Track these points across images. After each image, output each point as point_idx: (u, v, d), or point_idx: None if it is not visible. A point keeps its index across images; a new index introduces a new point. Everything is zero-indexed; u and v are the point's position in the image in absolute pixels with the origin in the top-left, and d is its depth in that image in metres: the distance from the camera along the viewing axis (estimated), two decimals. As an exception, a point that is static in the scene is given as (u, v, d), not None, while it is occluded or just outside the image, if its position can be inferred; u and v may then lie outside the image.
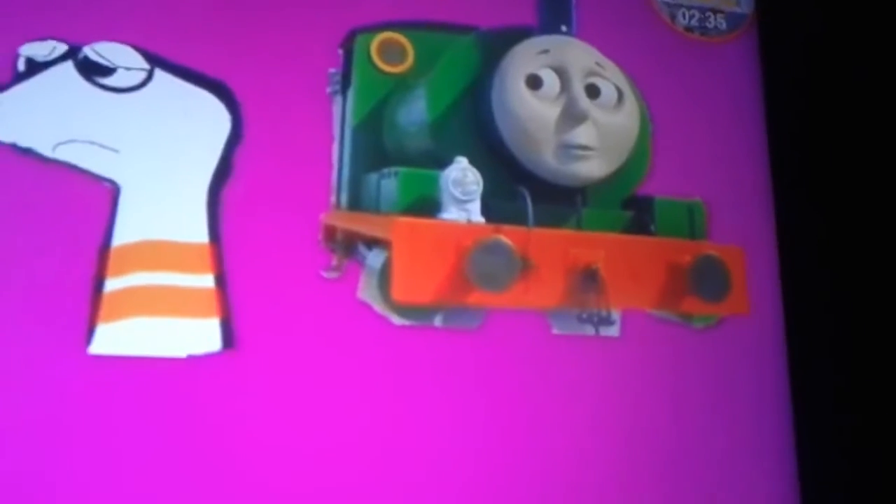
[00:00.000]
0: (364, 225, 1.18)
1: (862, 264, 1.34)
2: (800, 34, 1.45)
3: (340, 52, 1.27)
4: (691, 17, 1.47)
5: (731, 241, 1.32)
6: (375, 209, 1.19)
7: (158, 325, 1.10)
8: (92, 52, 1.15)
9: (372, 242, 1.19)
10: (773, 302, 1.37)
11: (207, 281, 1.13)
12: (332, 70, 1.26)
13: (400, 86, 1.27)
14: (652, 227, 1.28)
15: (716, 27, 1.48)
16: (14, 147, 1.09)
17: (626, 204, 1.30)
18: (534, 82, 1.21)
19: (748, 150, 1.43)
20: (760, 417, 1.33)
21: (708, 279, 1.24)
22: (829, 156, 1.40)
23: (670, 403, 1.29)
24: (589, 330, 1.23)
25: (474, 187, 1.17)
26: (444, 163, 1.16)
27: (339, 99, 1.27)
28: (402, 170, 1.16)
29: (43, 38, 1.13)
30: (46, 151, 1.11)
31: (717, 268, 1.25)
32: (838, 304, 1.35)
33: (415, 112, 1.22)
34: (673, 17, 1.46)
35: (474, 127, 1.22)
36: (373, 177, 1.22)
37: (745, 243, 1.29)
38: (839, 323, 1.34)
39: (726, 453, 1.31)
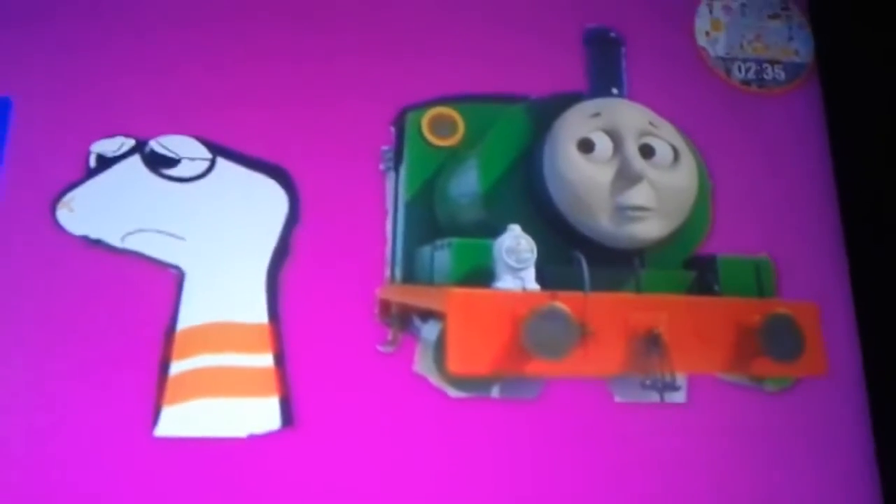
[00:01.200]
0: (418, 298, 1.19)
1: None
2: (863, 79, 1.40)
3: (392, 129, 1.31)
4: (747, 70, 1.44)
5: (804, 297, 1.26)
6: (429, 281, 1.20)
7: (221, 406, 1.13)
8: (157, 144, 1.22)
9: (427, 315, 1.20)
10: (852, 360, 1.30)
11: (267, 360, 1.16)
12: (384, 147, 1.30)
13: (451, 158, 1.29)
14: (716, 287, 1.24)
15: (774, 78, 1.45)
16: (86, 239, 1.17)
17: (688, 264, 1.26)
18: (586, 146, 1.21)
19: (817, 203, 1.38)
20: (845, 485, 1.25)
21: (780, 338, 1.19)
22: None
23: (744, 472, 1.23)
24: (653, 397, 1.19)
25: (528, 255, 1.16)
26: (497, 232, 1.16)
27: (392, 175, 1.30)
28: (454, 240, 1.17)
29: (112, 135, 1.21)
30: (115, 242, 1.18)
31: (789, 326, 1.19)
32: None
33: (467, 183, 1.24)
34: (728, 72, 1.44)
35: (527, 195, 1.22)
36: (426, 249, 1.23)
37: (819, 300, 1.23)
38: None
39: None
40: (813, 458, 1.26)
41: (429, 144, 1.29)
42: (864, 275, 1.33)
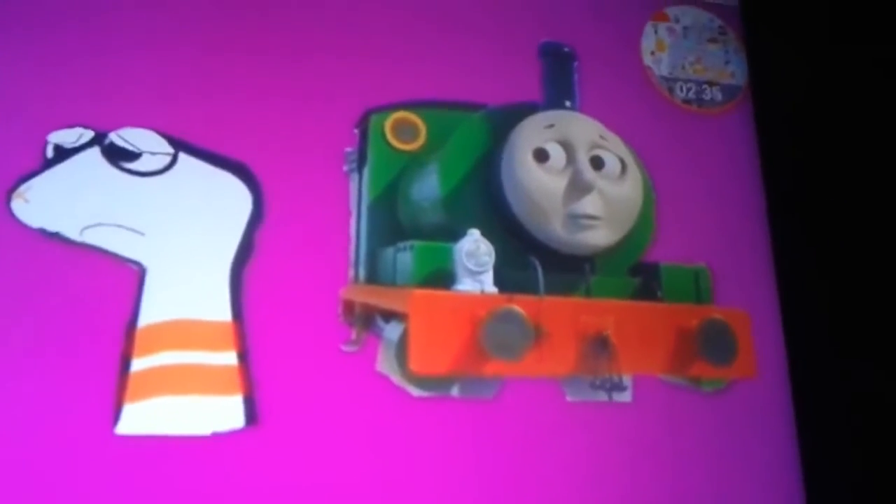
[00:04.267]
0: (381, 298, 1.21)
1: (865, 325, 1.38)
2: (792, 101, 1.51)
3: (356, 131, 1.32)
4: (688, 89, 1.53)
5: (736, 305, 1.35)
6: (392, 282, 1.23)
7: (184, 404, 1.12)
8: (117, 137, 1.19)
9: (389, 315, 1.22)
10: (778, 365, 1.41)
11: (231, 358, 1.15)
12: (348, 149, 1.31)
13: (413, 162, 1.32)
14: (659, 293, 1.31)
15: (712, 99, 1.54)
16: (42, 231, 1.13)
17: (633, 271, 1.33)
18: (540, 155, 1.25)
19: (748, 216, 1.48)
20: (770, 481, 1.35)
21: (715, 343, 1.27)
22: (827, 216, 1.45)
23: (682, 467, 1.31)
24: (602, 396, 1.25)
25: (486, 258, 1.20)
26: (457, 235, 1.19)
27: (355, 176, 1.31)
28: (416, 243, 1.19)
29: (70, 125, 1.18)
30: (74, 235, 1.14)
31: (723, 332, 1.28)
32: (843, 365, 1.38)
33: (428, 187, 1.26)
34: (671, 91, 1.52)
35: (485, 200, 1.26)
36: (389, 251, 1.25)
37: (749, 307, 1.32)
38: (844, 384, 1.37)
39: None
40: (742, 453, 1.36)
41: (391, 148, 1.31)
42: (790, 284, 1.44)
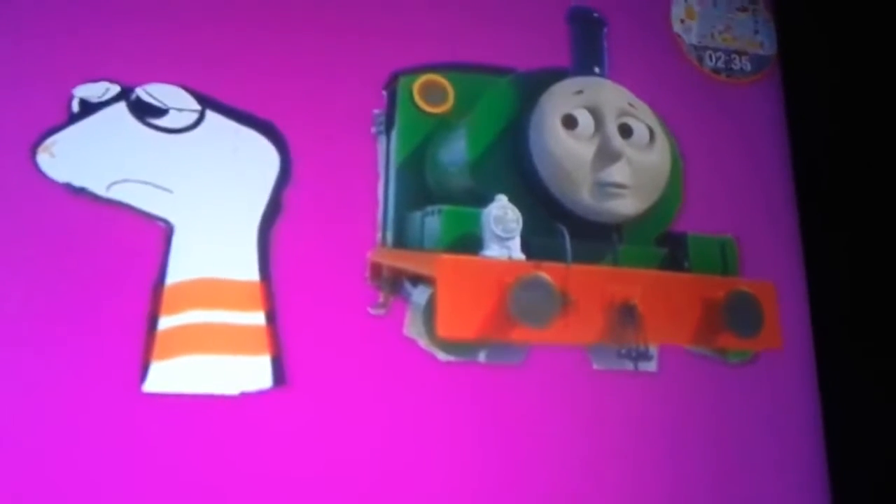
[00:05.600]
0: (409, 262, 1.20)
1: (891, 296, 1.37)
2: (821, 72, 1.49)
3: (384, 93, 1.30)
4: (717, 59, 1.51)
5: (762, 276, 1.34)
6: (419, 246, 1.21)
7: (211, 363, 1.11)
8: (144, 93, 1.17)
9: (417, 279, 1.21)
10: (804, 336, 1.40)
11: (258, 318, 1.14)
12: (376, 111, 1.29)
13: (441, 126, 1.30)
14: (686, 264, 1.30)
15: (741, 69, 1.52)
16: (68, 186, 1.12)
17: (660, 241, 1.32)
18: (569, 122, 1.24)
19: (775, 187, 1.47)
20: (794, 451, 1.35)
21: (741, 315, 1.26)
22: (854, 189, 1.44)
23: (706, 437, 1.31)
24: (628, 365, 1.25)
25: (514, 225, 1.19)
26: (484, 200, 1.18)
27: (383, 139, 1.30)
28: (444, 208, 1.18)
29: (96, 80, 1.16)
30: (100, 191, 1.13)
31: (749, 303, 1.27)
32: (868, 334, 1.37)
33: (456, 152, 1.25)
34: (700, 60, 1.50)
35: (513, 166, 1.24)
36: (416, 215, 1.24)
37: (776, 278, 1.32)
38: (869, 356, 1.37)
39: (759, 485, 1.33)
40: (769, 422, 1.35)
41: (420, 111, 1.29)
42: (817, 256, 1.43)
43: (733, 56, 1.53)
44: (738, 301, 1.27)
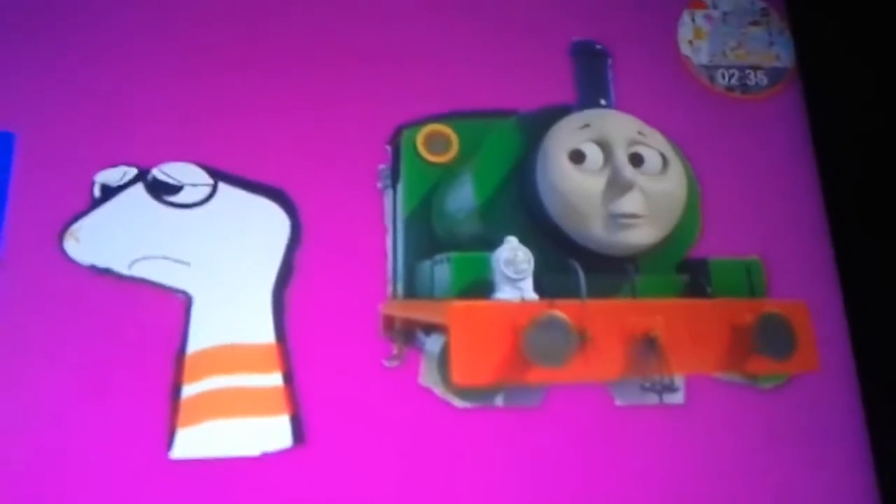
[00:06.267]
0: (420, 312, 1.22)
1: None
2: (844, 80, 1.44)
3: (388, 148, 1.34)
4: (731, 76, 1.48)
5: (795, 297, 1.29)
6: (430, 295, 1.23)
7: (233, 426, 1.16)
8: (159, 172, 1.25)
9: (429, 328, 1.22)
10: (844, 356, 1.34)
11: (276, 379, 1.19)
12: (381, 166, 1.33)
13: (447, 174, 1.32)
14: (709, 289, 1.27)
15: (756, 84, 1.48)
16: (93, 268, 1.20)
17: (680, 268, 1.30)
18: (577, 157, 1.23)
19: (803, 203, 1.42)
20: (841, 478, 1.29)
21: (773, 337, 1.21)
22: (887, 197, 1.37)
23: (743, 469, 1.26)
24: (653, 399, 1.22)
25: (525, 265, 1.19)
26: (494, 245, 1.18)
27: (389, 193, 1.33)
28: (453, 255, 1.19)
29: (114, 165, 1.24)
30: (123, 269, 1.20)
31: (781, 324, 1.22)
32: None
33: (463, 197, 1.27)
34: (712, 79, 1.48)
35: (521, 206, 1.25)
36: (426, 264, 1.26)
37: (809, 298, 1.26)
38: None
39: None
40: (809, 452, 1.29)
41: (424, 161, 1.32)
42: (852, 271, 1.37)
43: (747, 71, 1.49)
44: (768, 323, 1.22)
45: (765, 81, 1.49)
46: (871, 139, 1.40)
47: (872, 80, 1.41)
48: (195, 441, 1.15)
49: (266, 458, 1.15)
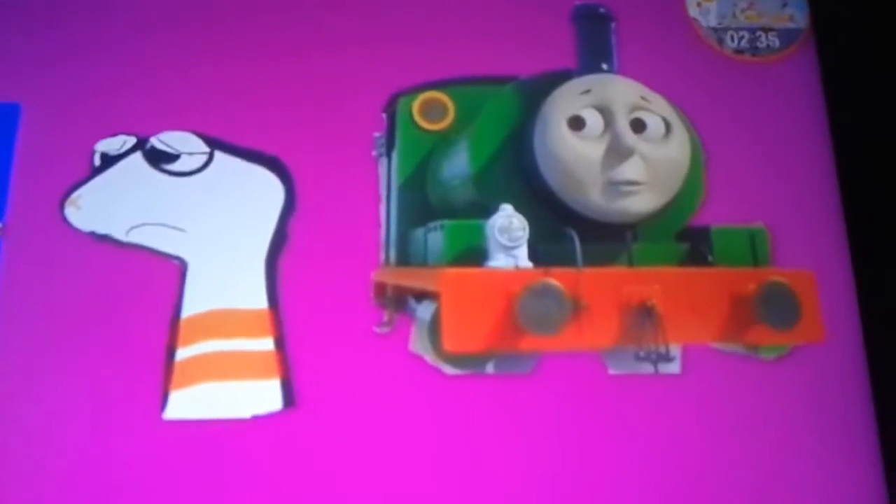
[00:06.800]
0: (413, 279, 1.22)
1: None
2: (861, 42, 1.37)
3: (384, 116, 1.33)
4: (740, 38, 1.43)
5: (802, 266, 1.25)
6: (423, 263, 1.23)
7: (225, 389, 1.19)
8: (157, 141, 1.27)
9: (421, 296, 1.22)
10: (852, 327, 1.29)
11: (268, 344, 1.21)
12: (376, 134, 1.33)
13: (442, 142, 1.31)
14: (710, 258, 1.24)
15: (768, 46, 1.43)
16: (93, 234, 1.23)
17: (682, 236, 1.27)
18: (576, 123, 1.21)
19: (814, 170, 1.37)
20: (844, 452, 1.25)
21: (776, 306, 1.18)
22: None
23: (740, 441, 1.23)
24: (647, 368, 1.20)
25: (520, 233, 1.18)
26: (489, 213, 1.18)
27: (384, 161, 1.33)
28: (447, 222, 1.19)
29: (114, 134, 1.27)
30: (121, 236, 1.24)
31: (785, 294, 1.19)
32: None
33: (458, 165, 1.26)
34: (721, 41, 1.43)
35: (518, 174, 1.24)
36: (419, 232, 1.26)
37: (817, 268, 1.22)
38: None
39: (804, 495, 1.24)
40: (811, 425, 1.26)
41: (420, 129, 1.32)
42: (863, 241, 1.32)
43: (758, 33, 1.43)
44: (771, 292, 1.19)
45: (777, 44, 1.44)
46: (888, 104, 1.34)
47: (891, 43, 1.35)
48: (188, 403, 1.18)
49: (256, 421, 1.18)
